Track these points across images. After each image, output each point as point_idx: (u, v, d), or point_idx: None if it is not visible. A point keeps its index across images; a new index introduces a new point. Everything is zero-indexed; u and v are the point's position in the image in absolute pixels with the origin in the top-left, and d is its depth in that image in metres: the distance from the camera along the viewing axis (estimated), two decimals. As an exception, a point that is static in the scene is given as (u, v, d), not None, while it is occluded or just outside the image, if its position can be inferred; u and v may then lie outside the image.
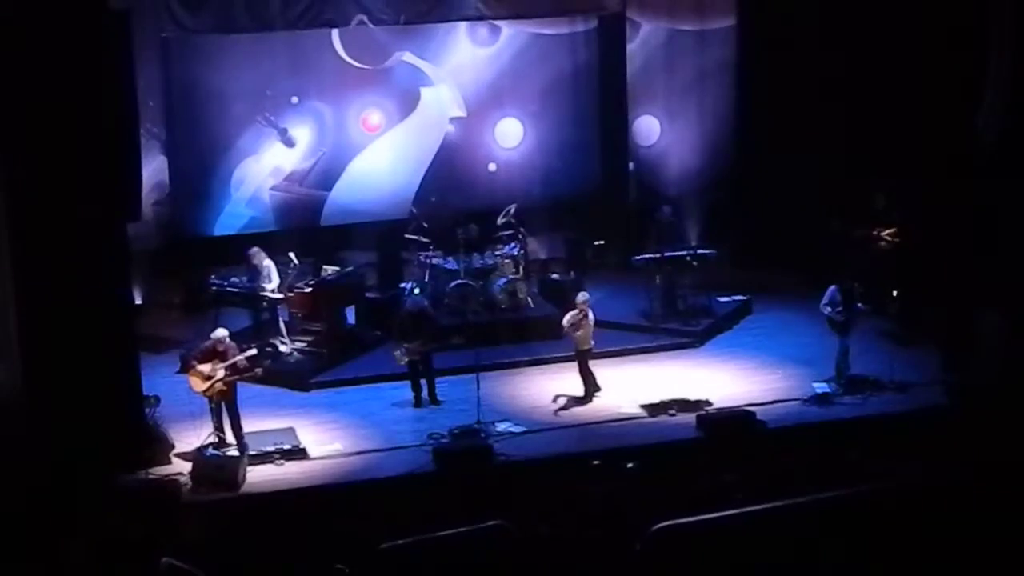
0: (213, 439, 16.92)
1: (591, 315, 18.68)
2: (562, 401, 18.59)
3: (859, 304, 18.77)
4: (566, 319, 18.64)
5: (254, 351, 17.45)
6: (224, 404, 17.08)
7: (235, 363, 17.02)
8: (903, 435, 16.72)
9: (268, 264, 20.14)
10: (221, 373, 16.95)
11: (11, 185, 15.37)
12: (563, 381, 19.15)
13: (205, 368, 16.99)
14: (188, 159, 22.18)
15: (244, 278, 20.29)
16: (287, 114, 22.54)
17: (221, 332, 17.34)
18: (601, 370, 18.99)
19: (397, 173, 23.31)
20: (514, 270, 21.47)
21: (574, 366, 18.87)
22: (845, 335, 18.80)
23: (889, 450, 15.91)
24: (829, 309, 18.76)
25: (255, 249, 20.34)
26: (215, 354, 17.05)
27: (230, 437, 17.06)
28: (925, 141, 19.63)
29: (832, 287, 18.79)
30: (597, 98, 24.14)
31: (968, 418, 17.15)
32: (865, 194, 21.73)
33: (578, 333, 18.56)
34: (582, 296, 18.86)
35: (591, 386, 18.67)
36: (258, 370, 17.51)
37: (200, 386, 17.03)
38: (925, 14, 19.34)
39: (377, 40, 22.72)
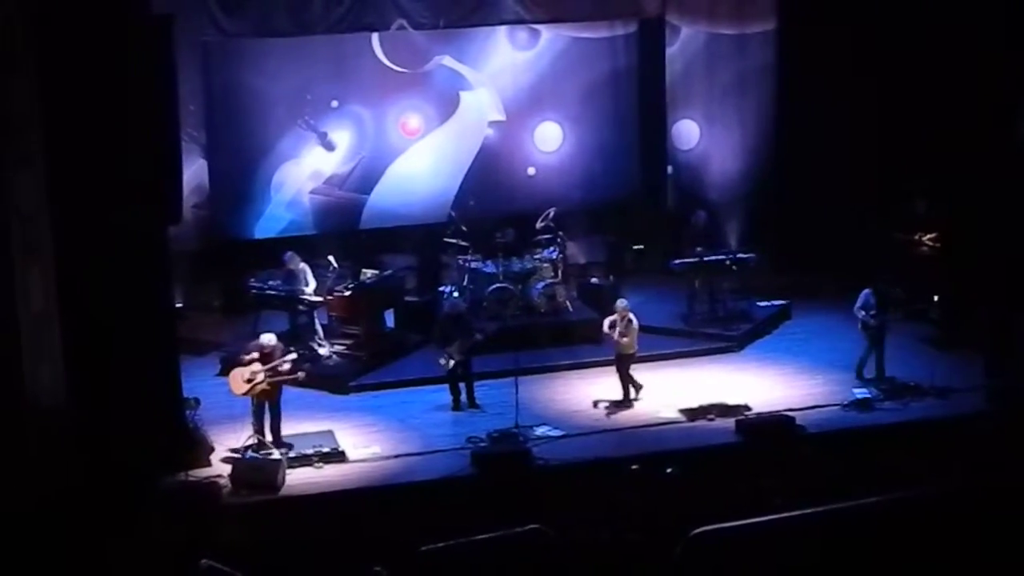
0: (253, 441, 16.98)
1: (635, 320, 18.66)
2: (603, 406, 18.56)
3: (892, 308, 18.76)
4: (612, 327, 18.59)
5: (294, 355, 17.50)
6: (268, 405, 17.16)
7: (276, 366, 17.08)
8: (944, 441, 16.62)
9: (304, 268, 20.20)
10: (261, 376, 17.01)
11: (54, 188, 15.45)
12: (602, 385, 19.15)
13: (246, 371, 17.07)
14: (228, 162, 22.27)
15: (280, 281, 20.34)
16: (327, 118, 22.60)
17: (269, 337, 17.42)
18: (640, 374, 18.98)
19: (436, 177, 23.33)
20: (553, 274, 21.47)
21: (612, 370, 18.88)
22: (878, 339, 18.80)
23: (930, 456, 15.82)
24: (863, 313, 18.82)
25: (290, 254, 20.42)
26: (261, 356, 17.13)
27: (269, 438, 17.13)
28: (966, 146, 19.53)
29: (866, 291, 18.81)
30: (636, 102, 24.11)
31: (1010, 423, 17.05)
32: (906, 199, 21.65)
33: (624, 339, 18.53)
34: (623, 303, 18.82)
35: (633, 389, 18.64)
36: (301, 374, 17.55)
37: (240, 388, 17.10)
38: (966, 19, 19.23)
39: (417, 44, 22.74)
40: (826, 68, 22.28)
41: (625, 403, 18.59)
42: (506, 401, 18.14)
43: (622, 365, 18.69)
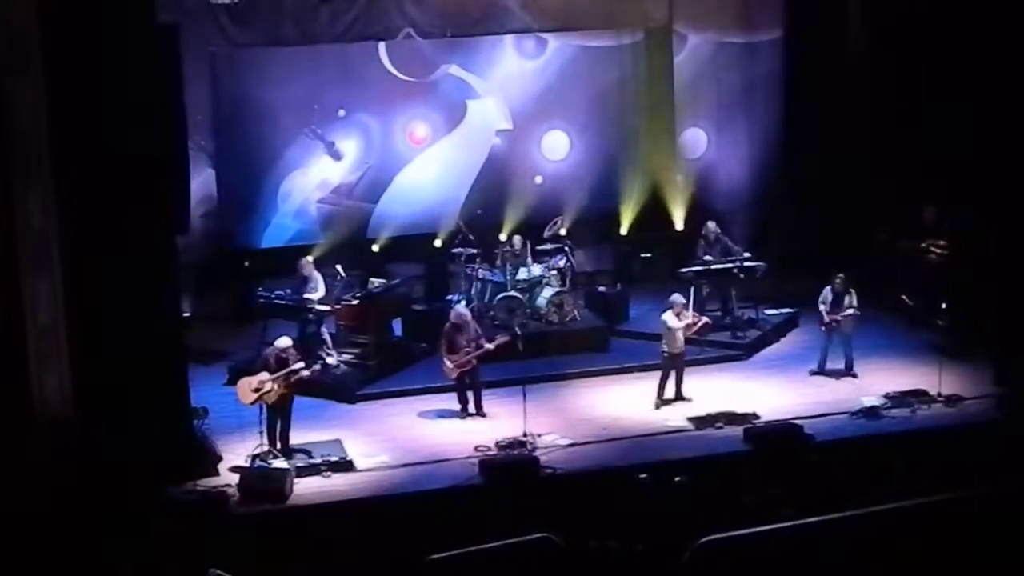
0: (261, 450, 16.98)
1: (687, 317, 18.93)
2: (663, 409, 18.64)
3: (849, 307, 19.23)
4: (685, 323, 18.73)
5: (302, 363, 17.50)
6: (280, 412, 17.18)
7: (291, 371, 17.09)
8: (953, 449, 16.57)
9: (316, 275, 20.22)
10: (269, 385, 17.02)
11: (61, 198, 15.47)
12: (610, 394, 19.19)
13: (254, 380, 17.08)
14: (236, 172, 22.30)
15: (289, 290, 20.35)
16: (334, 127, 22.62)
17: (285, 340, 17.46)
18: (648, 382, 18.99)
19: (443, 186, 23.34)
20: (560, 283, 21.46)
21: (619, 379, 19.06)
22: (832, 333, 19.42)
23: (939, 464, 15.78)
24: (823, 307, 19.40)
25: (304, 260, 20.47)
26: (278, 361, 17.17)
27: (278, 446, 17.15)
28: (976, 153, 19.49)
29: (827, 287, 19.39)
30: (644, 110, 24.07)
31: (1020, 431, 17.01)
32: (914, 206, 21.62)
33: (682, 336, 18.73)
34: (680, 298, 18.89)
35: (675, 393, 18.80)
36: (316, 367, 17.61)
37: (248, 397, 17.10)
38: (976, 24, 19.19)
39: (424, 53, 22.77)
40: (834, 75, 22.27)
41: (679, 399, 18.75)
42: (514, 410, 18.11)
43: (673, 365, 18.75)
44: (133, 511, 15.18)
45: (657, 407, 18.70)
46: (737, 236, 22.03)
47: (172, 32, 16.46)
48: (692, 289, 20.04)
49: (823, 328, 19.59)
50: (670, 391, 18.83)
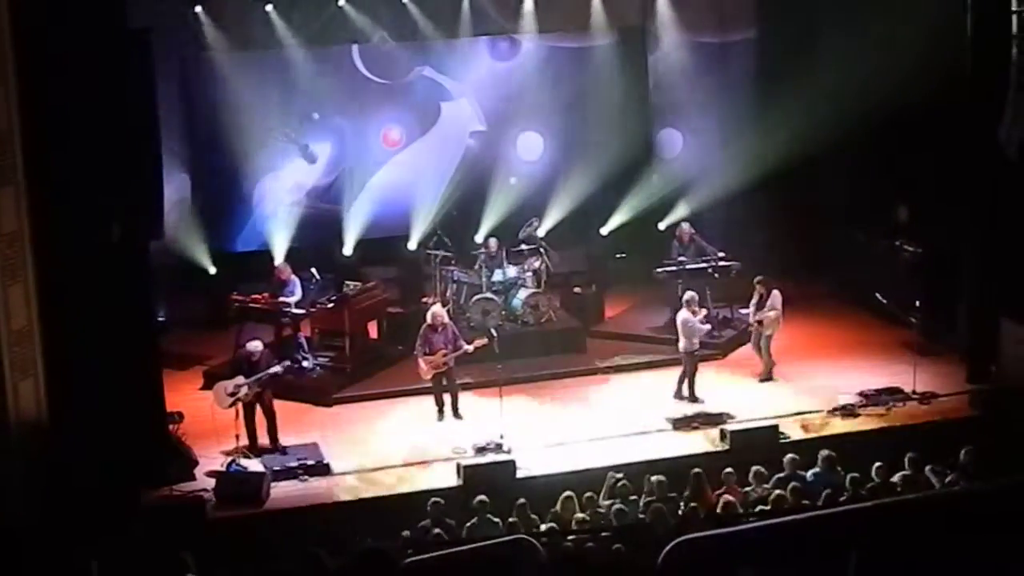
0: (236, 449, 16.98)
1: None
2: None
3: (771, 310, 19.39)
4: (701, 320, 18.85)
5: (279, 368, 17.50)
6: (262, 410, 17.32)
7: (263, 375, 17.11)
8: (927, 446, 16.62)
9: (293, 279, 20.20)
10: (244, 390, 17.02)
11: (34, 204, 15.42)
12: (587, 395, 19.18)
13: (229, 384, 17.08)
14: (210, 176, 22.26)
15: (265, 294, 20.32)
16: (308, 130, 22.60)
17: (256, 344, 17.52)
18: (624, 383, 19.03)
19: (418, 188, 23.30)
20: (536, 284, 21.46)
21: (596, 379, 19.01)
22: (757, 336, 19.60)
23: (914, 461, 15.83)
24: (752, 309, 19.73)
25: (281, 263, 20.45)
26: (249, 365, 17.17)
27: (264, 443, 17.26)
28: (948, 151, 19.57)
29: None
30: (618, 111, 24.05)
31: (994, 429, 17.08)
32: (888, 206, 21.68)
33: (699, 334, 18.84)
34: (694, 295, 19.07)
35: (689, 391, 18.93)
36: (287, 363, 17.69)
37: (224, 402, 17.10)
38: (948, 25, 19.26)
39: (397, 55, 22.75)
40: (807, 75, 22.30)
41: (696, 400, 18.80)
42: (491, 411, 18.12)
43: (691, 362, 18.84)
44: (109, 517, 15.13)
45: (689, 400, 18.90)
46: (712, 236, 22.06)
47: (144, 37, 16.41)
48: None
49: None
50: (686, 388, 18.93)
